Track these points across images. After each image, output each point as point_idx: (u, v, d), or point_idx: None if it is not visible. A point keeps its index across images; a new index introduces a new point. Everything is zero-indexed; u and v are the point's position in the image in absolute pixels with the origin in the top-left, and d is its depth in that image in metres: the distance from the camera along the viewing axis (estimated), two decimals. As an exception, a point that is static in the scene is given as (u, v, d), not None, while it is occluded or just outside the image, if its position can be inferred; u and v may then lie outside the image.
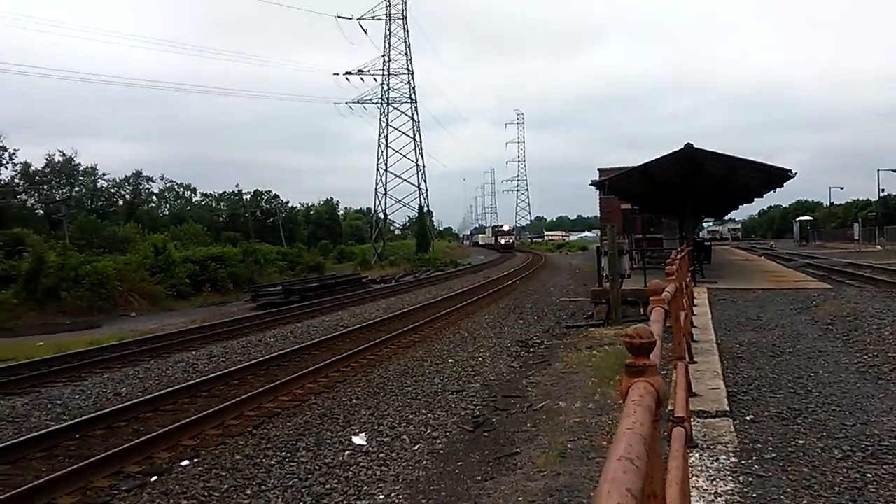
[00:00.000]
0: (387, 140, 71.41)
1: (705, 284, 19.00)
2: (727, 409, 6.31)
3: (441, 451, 8.10)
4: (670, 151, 19.02)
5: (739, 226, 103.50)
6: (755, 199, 29.31)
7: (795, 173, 19.27)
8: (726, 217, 66.07)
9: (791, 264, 32.45)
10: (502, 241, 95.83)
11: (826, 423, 5.97)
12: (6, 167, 60.94)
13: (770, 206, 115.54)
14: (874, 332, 10.58)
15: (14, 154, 60.78)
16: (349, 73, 70.37)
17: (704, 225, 73.12)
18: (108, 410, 10.02)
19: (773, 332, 11.04)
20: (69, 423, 9.44)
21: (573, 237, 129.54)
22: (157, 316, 29.21)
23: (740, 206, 40.05)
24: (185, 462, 7.87)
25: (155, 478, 7.39)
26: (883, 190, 70.14)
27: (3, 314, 27.89)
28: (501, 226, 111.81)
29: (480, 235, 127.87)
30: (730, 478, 4.72)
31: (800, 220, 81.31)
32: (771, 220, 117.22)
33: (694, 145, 18.39)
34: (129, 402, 10.52)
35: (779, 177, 20.26)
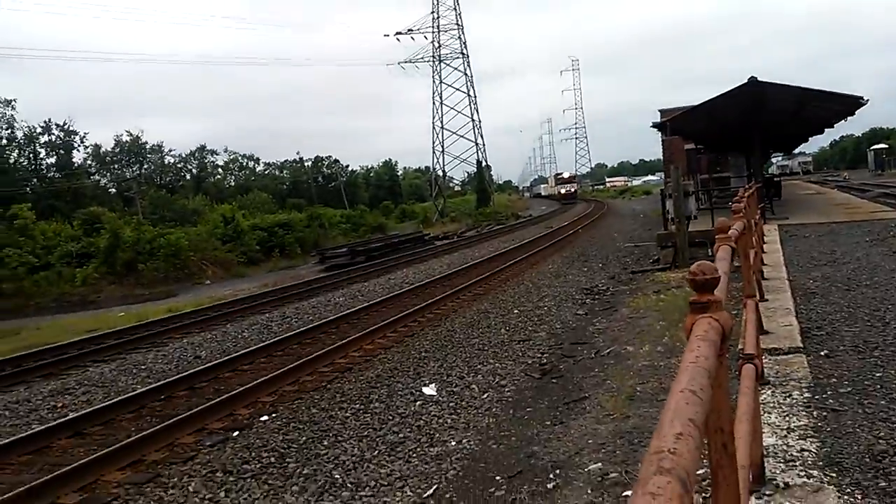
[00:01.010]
0: (441, 97, 71.02)
1: (776, 221, 18.38)
2: (800, 345, 6.16)
3: (510, 399, 8.21)
4: (733, 87, 18.29)
5: (810, 159, 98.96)
6: (826, 130, 27.99)
7: (867, 100, 18.30)
8: (796, 151, 63.43)
9: (866, 195, 31.01)
10: (562, 191, 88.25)
11: (906, 355, 5.77)
12: (78, 150, 63.40)
13: (842, 137, 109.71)
14: (959, 260, 10.08)
15: (84, 137, 63.09)
16: (399, 34, 69.95)
17: (773, 160, 70.46)
18: (189, 372, 10.49)
19: (848, 265, 10.65)
20: (154, 385, 9.94)
21: (636, 182, 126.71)
22: (229, 282, 30.23)
23: (810, 139, 38.34)
24: (265, 417, 8.21)
25: (237, 433, 7.74)
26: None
27: (86, 288, 29.39)
28: (561, 174, 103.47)
29: (542, 186, 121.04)
30: (803, 413, 4.64)
31: (874, 149, 77.03)
32: (843, 151, 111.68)
33: (758, 79, 17.63)
34: (209, 364, 10.98)
35: (850, 105, 19.28)
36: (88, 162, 66.76)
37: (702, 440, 1.20)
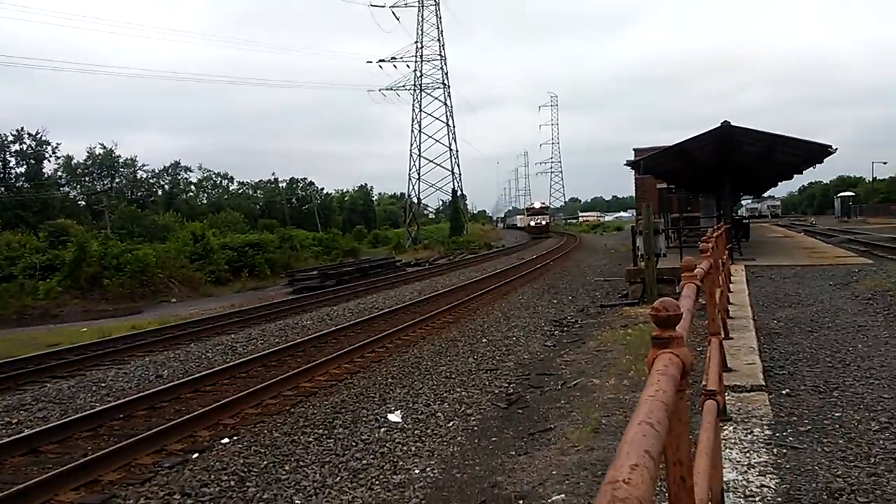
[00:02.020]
0: (420, 126, 71.57)
1: (743, 262, 18.72)
2: (762, 383, 6.26)
3: (475, 428, 8.18)
4: (707, 130, 18.73)
5: (779, 203, 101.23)
6: (795, 176, 28.69)
7: (836, 149, 18.82)
8: (765, 194, 64.79)
9: (831, 240, 31.74)
10: (532, 223, 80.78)
11: (864, 396, 5.89)
12: (49, 160, 62.57)
13: (811, 183, 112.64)
14: (917, 306, 10.34)
15: (56, 148, 62.36)
16: (382, 61, 70.57)
17: (743, 203, 71.86)
18: (150, 391, 10.30)
19: (812, 307, 10.87)
20: (114, 403, 9.73)
21: (608, 218, 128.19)
22: (196, 301, 29.82)
23: (779, 183, 39.25)
24: (226, 440, 8.07)
25: (196, 455, 7.59)
26: (928, 163, 67.98)
27: (49, 302, 28.78)
28: (532, 204, 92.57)
29: (518, 217, 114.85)
30: (763, 450, 4.70)
31: (841, 196, 79.18)
32: (811, 197, 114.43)
33: (731, 123, 18.08)
34: (171, 384, 10.79)
35: (818, 153, 19.80)
36: (59, 173, 65.97)
37: (657, 471, 1.23)
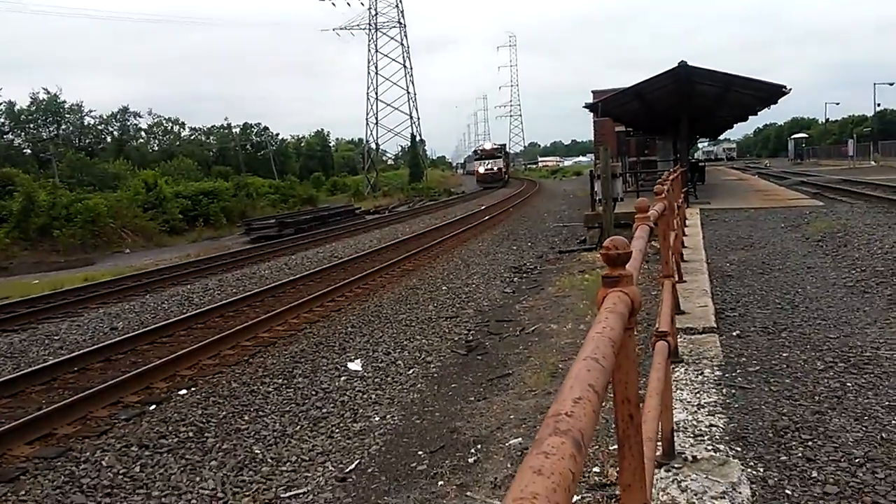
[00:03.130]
0: (376, 68, 70.26)
1: (698, 205, 19.01)
2: (714, 325, 6.40)
3: (435, 375, 8.26)
4: (663, 71, 18.75)
5: (734, 145, 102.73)
6: (749, 118, 29.07)
7: (790, 89, 19.06)
8: (721, 137, 65.66)
9: (784, 182, 32.45)
10: (482, 170, 66.04)
11: (810, 337, 6.07)
12: (-11, 107, 59.97)
13: (765, 125, 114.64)
14: (863, 247, 10.65)
15: (-2, 93, 59.68)
16: (335, -3, 68.35)
17: (699, 146, 72.73)
18: (105, 343, 10.13)
19: (763, 250, 11.11)
20: (67, 356, 9.56)
21: (567, 163, 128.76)
22: (150, 252, 29.27)
23: (735, 125, 39.74)
24: (183, 391, 8.01)
25: (154, 406, 7.53)
26: (879, 105, 69.53)
27: (-3, 254, 27.91)
28: (482, 145, 77.61)
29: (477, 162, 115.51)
30: (713, 390, 4.83)
31: (794, 138, 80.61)
32: (766, 139, 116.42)
33: (688, 63, 18.11)
34: (126, 335, 10.63)
35: (773, 93, 20.04)
36: (1, 120, 63.27)
37: (600, 405, 1.22)
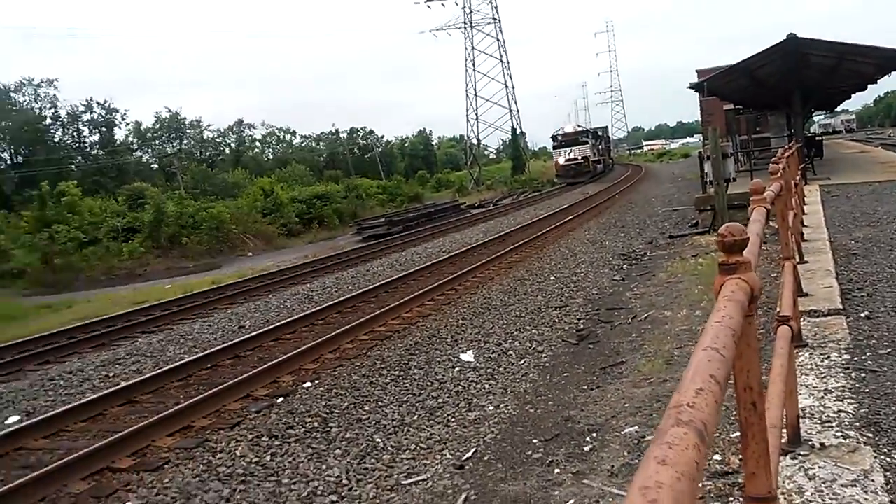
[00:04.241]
0: (474, 64, 70.34)
1: (817, 181, 17.96)
2: (840, 306, 6.09)
3: (546, 364, 8.28)
4: (771, 44, 17.84)
5: (853, 116, 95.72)
6: (869, 87, 27.07)
7: (913, 54, 17.64)
8: (838, 108, 61.49)
9: (913, 153, 30.02)
10: (562, 161, 51.59)
11: (950, 316, 5.67)
12: (119, 127, 64.77)
13: (887, 93, 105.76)
14: None
15: (125, 114, 64.39)
16: (430, 0, 69.03)
17: (815, 119, 68.48)
18: (234, 342, 10.77)
19: (891, 225, 10.39)
20: (201, 354, 10.24)
21: (674, 145, 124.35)
22: (270, 254, 30.73)
23: (853, 96, 37.10)
24: (308, 384, 8.42)
25: (281, 399, 7.96)
26: None
27: (133, 262, 30.18)
28: (562, 128, 55.13)
29: None
30: (841, 374, 4.62)
31: (922, 104, 74.20)
32: (889, 108, 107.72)
33: (797, 35, 17.15)
34: (253, 333, 11.26)
35: (893, 59, 18.59)
36: (130, 139, 68.15)
37: (722, 396, 1.25)
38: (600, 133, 65.67)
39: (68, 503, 5.85)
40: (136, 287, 23.48)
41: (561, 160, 52.21)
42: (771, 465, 2.17)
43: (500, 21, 70.73)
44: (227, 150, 76.46)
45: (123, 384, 9.15)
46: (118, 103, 65.88)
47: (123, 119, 64.42)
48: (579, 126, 57.86)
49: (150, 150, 70.88)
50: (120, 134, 65.68)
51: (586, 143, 52.21)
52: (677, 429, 1.01)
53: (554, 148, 54.93)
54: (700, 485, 4.01)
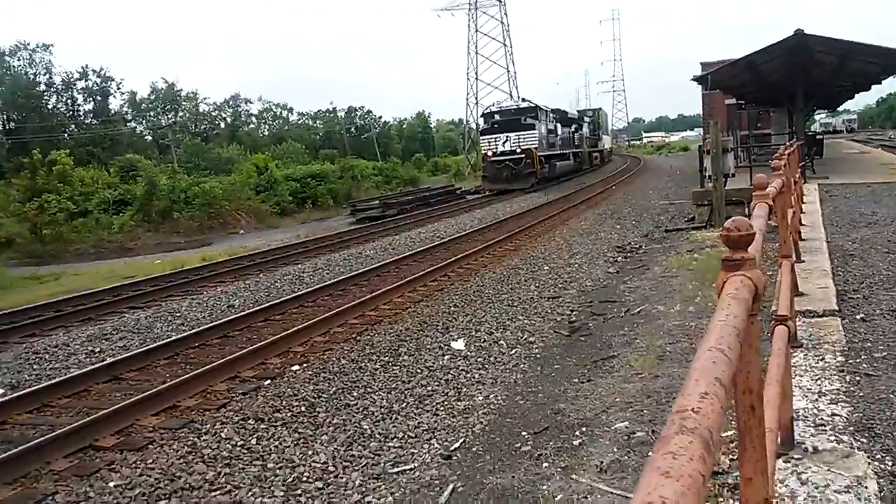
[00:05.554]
0: (476, 47, 69.60)
1: (816, 180, 17.93)
2: (836, 307, 6.05)
3: (538, 356, 8.22)
4: (777, 40, 17.74)
5: (855, 117, 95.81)
6: (872, 87, 27.03)
7: (919, 56, 17.58)
8: (840, 108, 61.49)
9: (913, 156, 30.01)
10: (490, 153, 34.20)
11: (946, 321, 5.63)
12: (114, 97, 64.18)
13: (889, 94, 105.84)
14: None
15: (120, 84, 63.79)
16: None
17: (816, 118, 68.42)
18: (223, 321, 10.66)
19: (889, 227, 10.35)
20: (189, 332, 10.14)
21: (674, 138, 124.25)
22: (263, 233, 30.58)
23: (856, 96, 37.06)
24: (296, 367, 8.34)
25: (268, 381, 7.88)
26: None
27: (123, 235, 30.03)
28: (498, 103, 38.69)
29: None
30: (836, 377, 4.57)
31: (924, 108, 74.30)
32: (890, 109, 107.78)
33: (804, 31, 17.05)
34: (243, 313, 11.15)
35: (898, 60, 18.54)
36: (125, 109, 67.55)
37: (728, 400, 1.18)
38: (579, 116, 50.52)
39: (51, 481, 5.76)
40: (125, 261, 23.35)
41: (490, 153, 34.25)
42: (769, 471, 2.11)
43: (505, 3, 69.90)
44: (223, 125, 75.87)
45: (109, 360, 9.03)
46: (114, 72, 65.29)
47: (119, 88, 63.97)
48: (525, 101, 37.77)
49: (144, 122, 70.32)
50: (115, 104, 65.20)
51: (532, 128, 33.62)
52: (682, 437, 0.95)
53: (482, 133, 36.32)
54: (710, 475, 3.97)
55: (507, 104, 37.67)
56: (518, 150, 33.33)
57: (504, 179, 33.67)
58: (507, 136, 33.57)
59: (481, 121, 39.02)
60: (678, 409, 1.03)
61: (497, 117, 34.96)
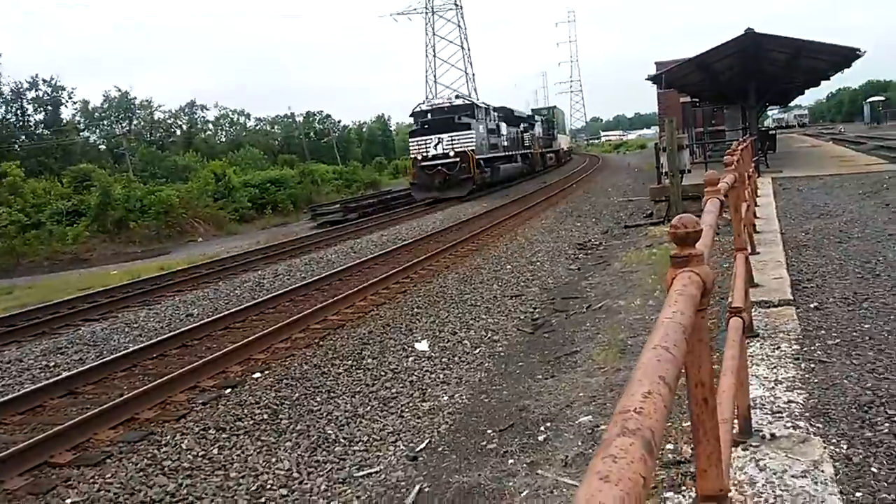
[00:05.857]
0: (434, 51, 70.05)
1: (770, 174, 18.35)
2: (790, 297, 6.18)
3: (502, 354, 8.25)
4: (730, 38, 18.14)
5: (806, 112, 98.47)
6: (822, 83, 27.82)
7: (864, 52, 18.16)
8: (792, 104, 63.05)
9: (861, 148, 30.92)
10: (420, 157, 29.98)
11: (894, 307, 5.79)
12: (66, 106, 62.53)
13: (838, 90, 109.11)
14: (951, 212, 10.08)
15: (72, 93, 62.17)
16: (390, -19, 67.28)
17: (769, 113, 70.04)
18: (182, 330, 10.48)
19: (840, 218, 10.64)
20: (147, 343, 9.93)
21: (631, 136, 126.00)
22: (222, 240, 30.11)
23: (806, 91, 38.08)
24: (257, 374, 8.23)
25: (229, 390, 7.76)
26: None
27: (78, 246, 29.26)
28: (430, 101, 35.62)
29: None
30: (791, 365, 4.66)
31: (870, 101, 76.54)
32: (840, 104, 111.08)
33: (755, 30, 17.47)
34: (202, 322, 10.97)
35: (845, 56, 19.11)
36: (77, 118, 65.92)
37: (672, 398, 1.18)
38: (531, 115, 47.73)
39: (5, 501, 5.59)
40: (80, 273, 22.77)
41: (420, 156, 30.30)
42: (723, 461, 2.13)
43: (461, 7, 70.32)
44: (179, 133, 74.49)
45: (65, 374, 8.81)
46: (65, 81, 63.59)
47: (70, 98, 62.19)
48: (459, 97, 35.12)
49: (97, 131, 68.72)
50: (66, 113, 63.42)
51: (468, 127, 29.85)
52: (623, 438, 0.95)
53: (411, 135, 32.05)
54: (653, 475, 4.01)
55: (439, 102, 33.80)
56: (451, 154, 29.46)
57: (436, 187, 29.98)
58: (438, 138, 29.70)
59: (410, 120, 35.33)
60: (620, 411, 1.03)
61: (428, 117, 31.33)
